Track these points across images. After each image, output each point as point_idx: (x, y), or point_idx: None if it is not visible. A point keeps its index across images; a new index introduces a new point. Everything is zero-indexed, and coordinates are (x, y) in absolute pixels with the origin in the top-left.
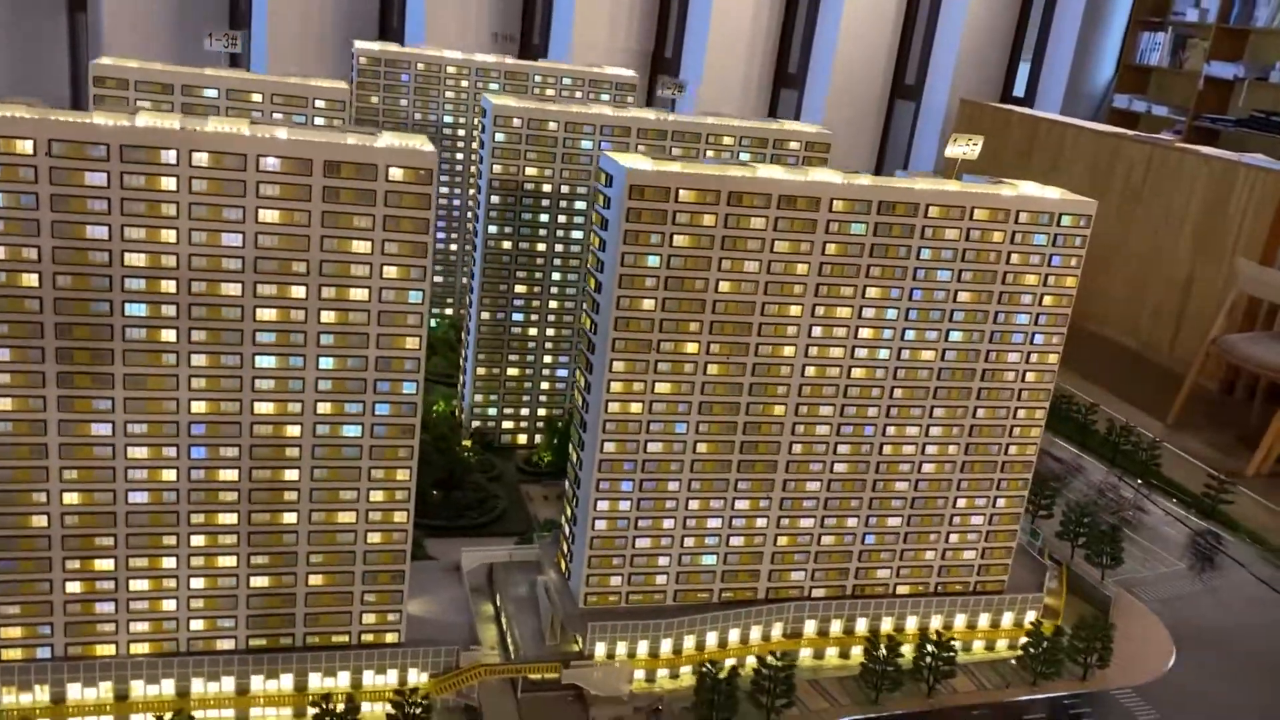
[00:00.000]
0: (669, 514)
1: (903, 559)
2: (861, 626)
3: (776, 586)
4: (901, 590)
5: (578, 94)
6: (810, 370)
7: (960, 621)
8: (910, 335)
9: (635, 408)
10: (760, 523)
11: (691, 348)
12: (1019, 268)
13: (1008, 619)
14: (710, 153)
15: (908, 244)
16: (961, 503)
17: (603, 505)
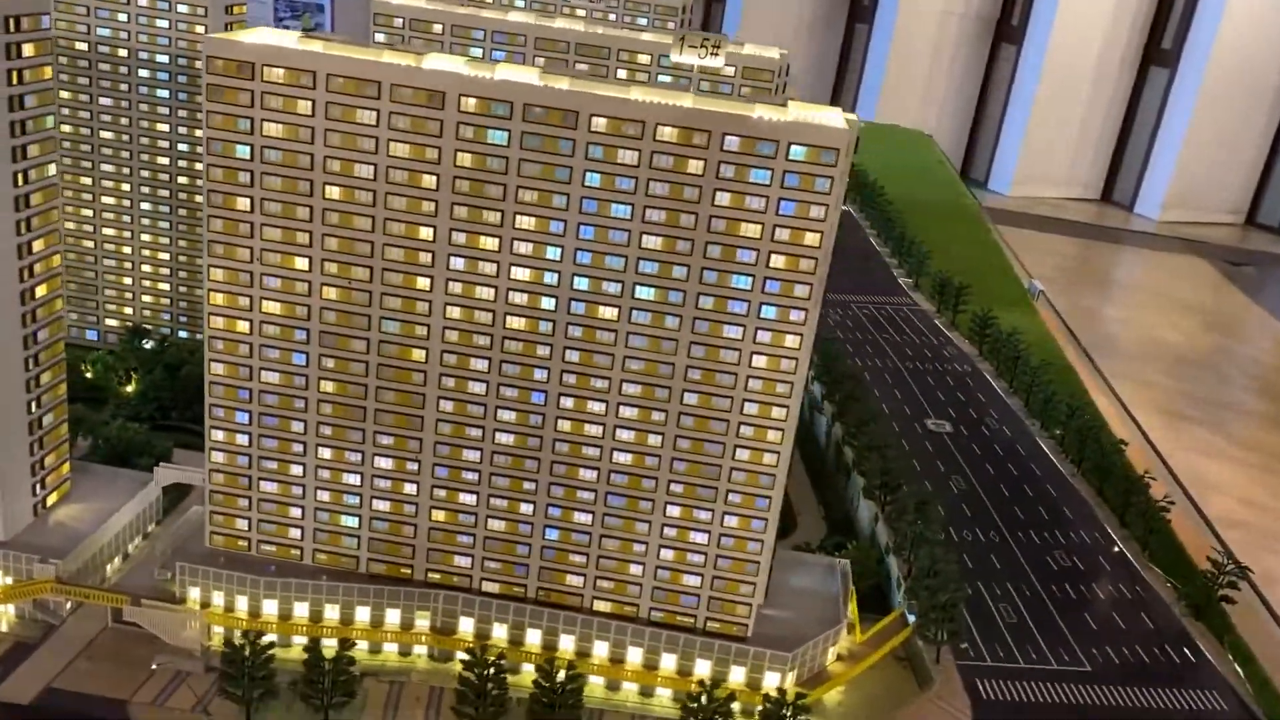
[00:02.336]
0: (297, 459)
1: (600, 568)
2: (534, 639)
3: (437, 570)
4: (601, 608)
5: (611, 16)
6: (455, 311)
7: (670, 663)
8: (583, 284)
9: (242, 326)
10: (409, 489)
11: (300, 263)
12: (730, 211)
13: (738, 674)
14: (622, 72)
15: (568, 164)
16: (674, 511)
17: (218, 435)
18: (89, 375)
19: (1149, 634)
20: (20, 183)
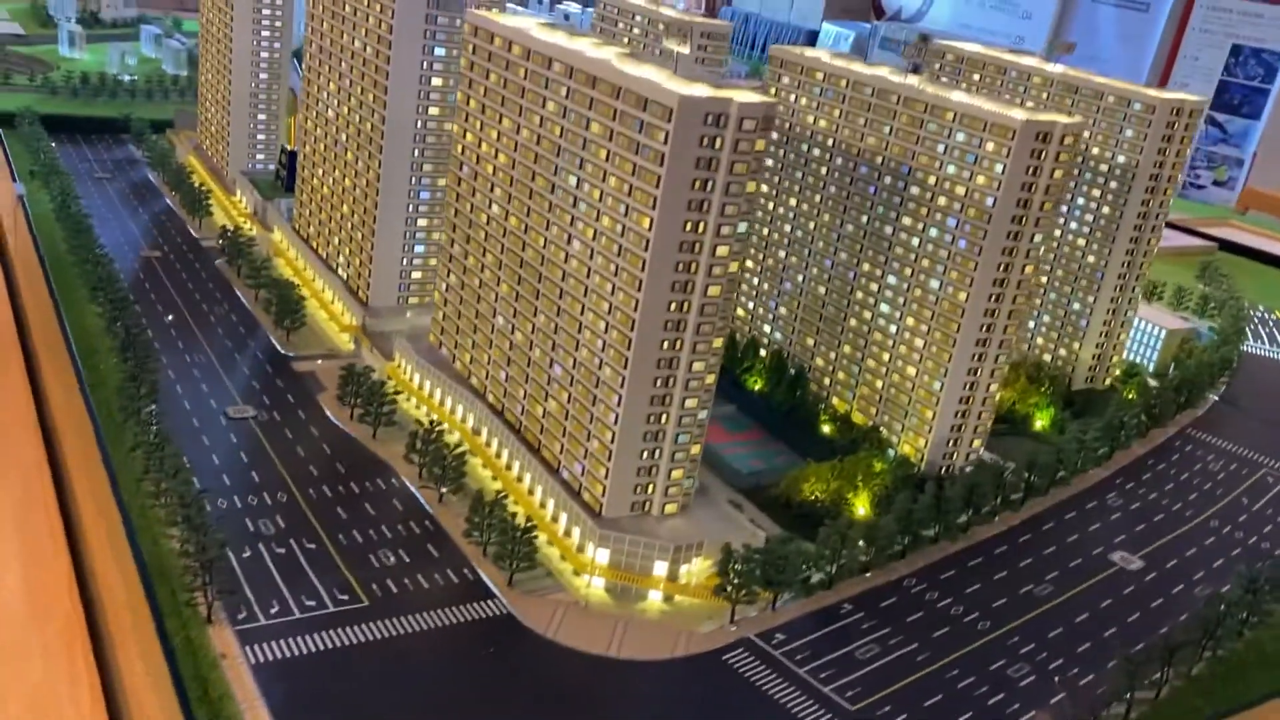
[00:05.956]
0: (462, 295)
1: (546, 416)
2: (493, 446)
3: (497, 399)
4: (545, 454)
5: None
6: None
7: (550, 508)
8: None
9: (451, 198)
10: (500, 321)
11: (470, 181)
12: (621, 152)
13: (575, 535)
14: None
15: (563, 104)
16: (577, 393)
17: (445, 271)
18: None
19: None
20: None
